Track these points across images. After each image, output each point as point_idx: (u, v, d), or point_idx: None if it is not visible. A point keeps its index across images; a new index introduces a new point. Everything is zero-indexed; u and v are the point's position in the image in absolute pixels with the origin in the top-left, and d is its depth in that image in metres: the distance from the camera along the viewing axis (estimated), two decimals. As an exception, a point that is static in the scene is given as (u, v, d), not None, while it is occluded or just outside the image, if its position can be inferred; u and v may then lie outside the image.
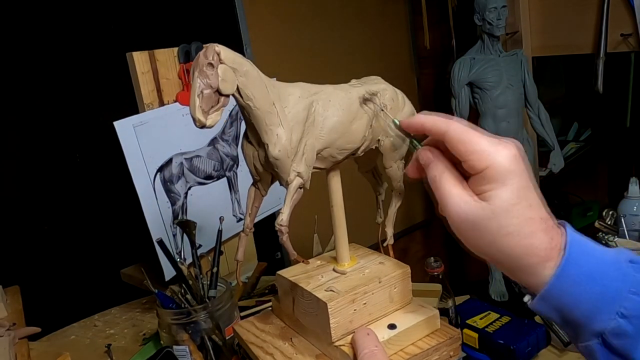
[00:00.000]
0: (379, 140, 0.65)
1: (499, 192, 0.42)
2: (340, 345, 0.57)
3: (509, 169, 0.42)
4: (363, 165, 0.72)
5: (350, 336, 0.57)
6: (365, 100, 0.61)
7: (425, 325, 0.60)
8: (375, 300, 0.60)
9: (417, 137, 0.51)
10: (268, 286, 1.18)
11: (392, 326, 0.59)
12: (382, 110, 0.61)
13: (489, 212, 0.42)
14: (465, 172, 0.45)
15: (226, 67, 0.51)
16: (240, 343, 0.68)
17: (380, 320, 0.60)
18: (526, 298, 0.44)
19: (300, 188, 0.58)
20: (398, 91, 0.66)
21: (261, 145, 0.56)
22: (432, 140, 0.48)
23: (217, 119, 0.51)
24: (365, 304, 0.59)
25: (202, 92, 0.49)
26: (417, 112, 0.69)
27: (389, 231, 0.72)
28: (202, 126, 0.50)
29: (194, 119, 0.50)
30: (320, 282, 0.62)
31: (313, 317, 0.60)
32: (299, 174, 0.57)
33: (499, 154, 0.42)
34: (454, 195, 0.44)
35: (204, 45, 0.51)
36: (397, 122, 0.51)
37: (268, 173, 0.59)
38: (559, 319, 0.43)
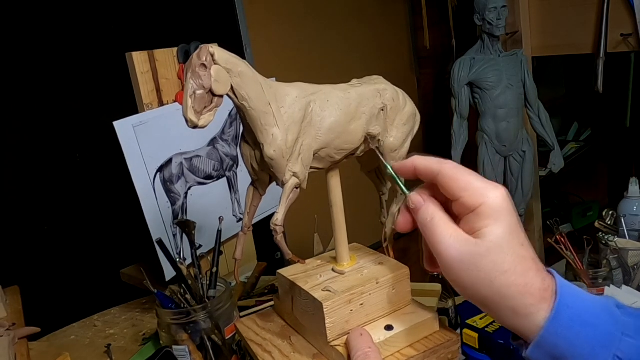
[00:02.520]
0: (379, 140, 0.65)
1: (493, 229, 0.42)
2: (336, 346, 0.57)
3: (502, 206, 0.43)
4: (365, 165, 0.72)
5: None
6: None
7: (423, 327, 0.59)
8: (373, 301, 0.60)
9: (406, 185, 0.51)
10: (268, 286, 1.18)
11: (389, 327, 0.58)
12: (378, 150, 0.62)
13: (483, 249, 0.42)
14: (455, 215, 0.46)
15: (219, 67, 0.51)
16: (241, 340, 0.68)
17: (378, 322, 0.60)
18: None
19: (297, 188, 0.58)
20: (399, 90, 0.66)
21: (257, 145, 0.56)
22: (422, 187, 0.48)
23: (210, 119, 0.51)
24: (362, 304, 0.59)
25: (194, 92, 0.50)
26: (418, 111, 0.70)
27: (390, 231, 0.72)
28: (195, 126, 0.51)
29: (186, 120, 0.50)
30: (318, 282, 0.61)
31: (310, 316, 0.60)
32: (294, 174, 0.57)
33: (492, 192, 0.43)
34: (448, 234, 0.44)
35: (201, 46, 0.51)
36: (390, 166, 0.51)
37: (265, 173, 0.59)
38: None
